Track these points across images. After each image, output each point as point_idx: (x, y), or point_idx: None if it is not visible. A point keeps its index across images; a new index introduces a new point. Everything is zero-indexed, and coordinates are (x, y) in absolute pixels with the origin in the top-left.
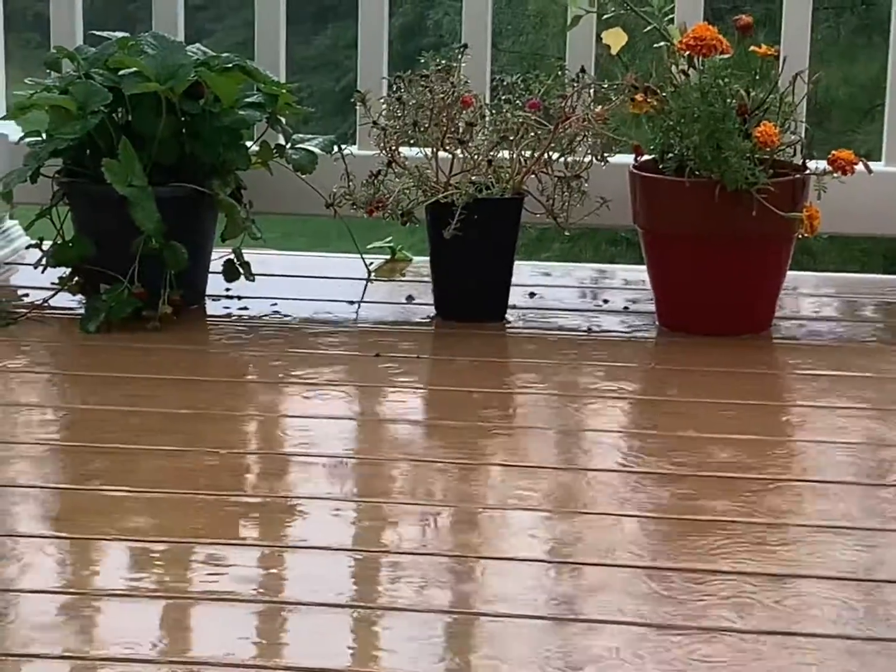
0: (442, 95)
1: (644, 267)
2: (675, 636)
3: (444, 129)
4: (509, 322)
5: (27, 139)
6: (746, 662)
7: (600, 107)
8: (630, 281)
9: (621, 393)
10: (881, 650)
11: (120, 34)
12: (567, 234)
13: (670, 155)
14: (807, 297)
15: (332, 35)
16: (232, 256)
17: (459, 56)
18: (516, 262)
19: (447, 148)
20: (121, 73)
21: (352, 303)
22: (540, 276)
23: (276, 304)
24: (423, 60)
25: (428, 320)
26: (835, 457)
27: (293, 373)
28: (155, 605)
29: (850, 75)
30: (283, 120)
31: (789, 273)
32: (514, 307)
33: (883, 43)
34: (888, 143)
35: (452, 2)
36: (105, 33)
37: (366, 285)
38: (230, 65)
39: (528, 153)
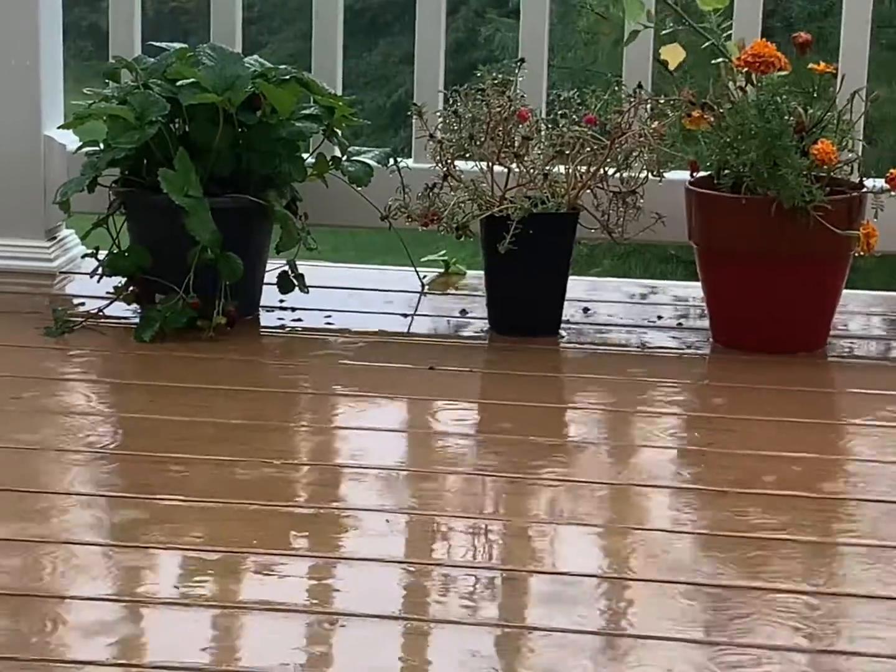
0: (498, 109)
1: (696, 283)
2: (729, 654)
3: (500, 142)
4: (563, 337)
5: (85, 149)
6: None
7: (657, 123)
8: (683, 297)
9: (675, 409)
10: None
11: (178, 45)
12: (620, 249)
13: (726, 171)
14: (859, 315)
15: (383, 51)
16: (286, 268)
17: (516, 70)
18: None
19: (503, 162)
20: (179, 83)
21: (405, 316)
22: (593, 290)
23: (329, 316)
24: (479, 74)
25: (482, 334)
26: (889, 476)
27: (347, 385)
28: (207, 614)
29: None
30: (340, 132)
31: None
32: (567, 322)
33: None
34: None
35: (504, 18)
36: (163, 44)
37: (419, 298)
38: (287, 77)
39: (583, 168)
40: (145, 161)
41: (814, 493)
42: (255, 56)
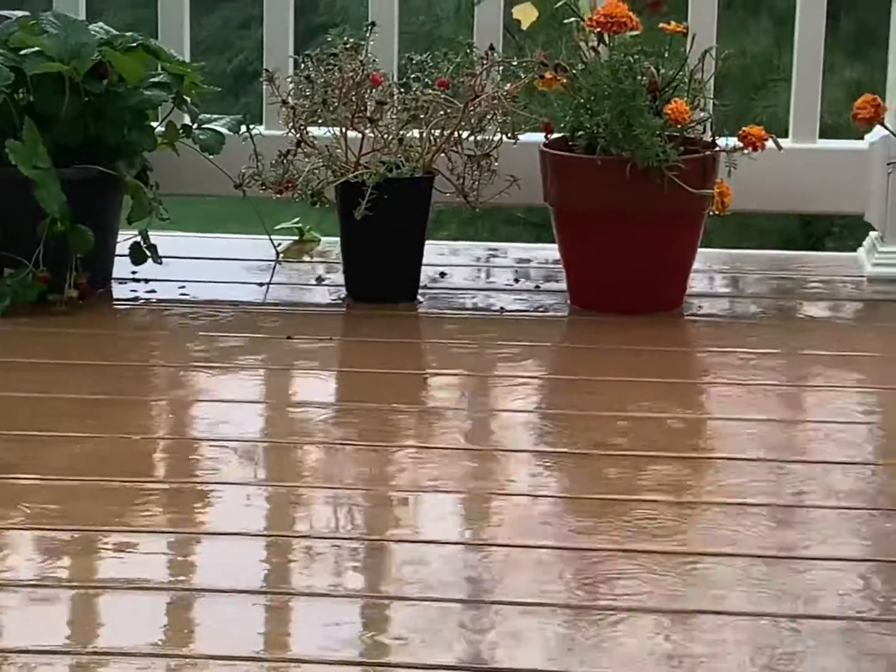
0: (351, 74)
1: (554, 245)
2: (590, 617)
3: (354, 108)
4: (421, 302)
5: None
6: (658, 642)
7: (510, 85)
8: (540, 259)
9: (535, 373)
10: (787, 625)
11: (19, 13)
12: (467, 213)
13: (580, 133)
14: (709, 273)
15: (223, 15)
16: (139, 239)
17: (367, 34)
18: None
19: (357, 127)
20: (22, 52)
21: (261, 284)
22: (446, 254)
23: (183, 287)
24: (330, 39)
25: (339, 301)
26: (747, 433)
27: (203, 356)
28: (64, 595)
29: (741, 50)
30: (189, 100)
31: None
32: (424, 287)
33: (769, 20)
34: (795, 119)
35: None
36: (4, 12)
37: (274, 267)
38: (134, 44)
39: (437, 132)
40: None
41: (676, 453)
42: (101, 23)
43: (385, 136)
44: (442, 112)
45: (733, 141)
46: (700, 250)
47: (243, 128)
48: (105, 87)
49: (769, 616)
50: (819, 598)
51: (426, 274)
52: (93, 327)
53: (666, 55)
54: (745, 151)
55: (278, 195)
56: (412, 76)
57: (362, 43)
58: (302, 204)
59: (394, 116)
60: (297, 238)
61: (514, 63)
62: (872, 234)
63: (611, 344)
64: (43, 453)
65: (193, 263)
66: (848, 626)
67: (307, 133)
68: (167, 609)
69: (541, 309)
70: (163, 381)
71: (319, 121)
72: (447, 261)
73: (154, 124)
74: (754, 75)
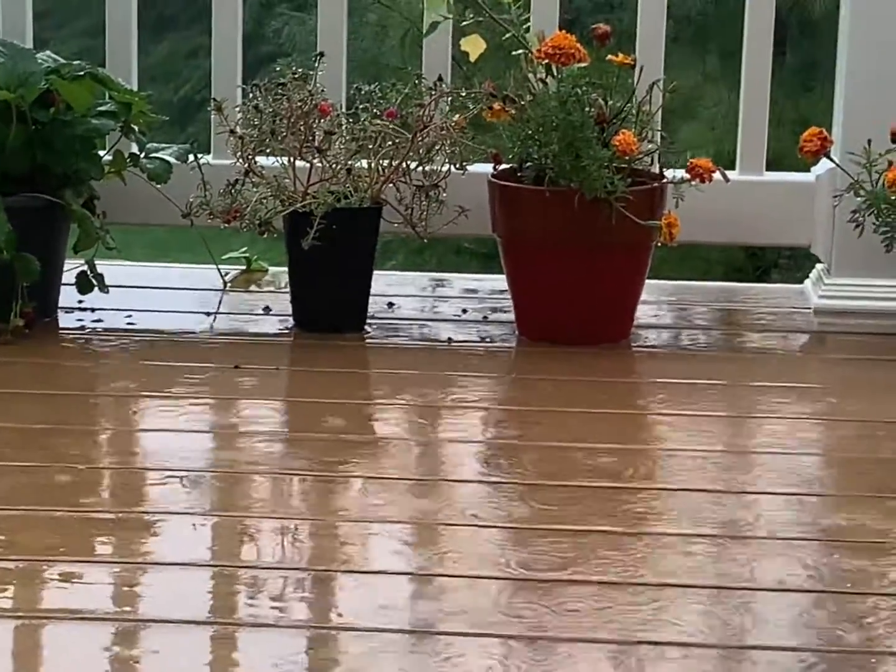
0: (299, 104)
1: (502, 276)
2: (543, 650)
3: (302, 137)
4: (368, 333)
5: None
6: None
7: (458, 115)
8: (488, 290)
9: (483, 403)
10: (733, 656)
11: None
12: (415, 243)
13: (529, 164)
14: (656, 304)
15: (170, 45)
16: (85, 268)
17: (316, 64)
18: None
19: (305, 157)
20: None
21: (208, 314)
22: (394, 285)
23: (130, 316)
24: (278, 69)
25: (286, 331)
26: (693, 465)
27: (150, 386)
28: (7, 625)
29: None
30: (137, 129)
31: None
32: (372, 317)
33: (706, 51)
34: (742, 152)
35: (293, 12)
36: None
37: (221, 296)
38: (82, 72)
39: (386, 162)
40: None
41: (623, 483)
42: (48, 52)
43: (333, 165)
44: (390, 142)
45: (681, 172)
46: (647, 281)
47: (191, 157)
48: (52, 115)
49: (719, 647)
50: (759, 626)
51: (374, 304)
52: (39, 356)
53: (614, 87)
54: (693, 183)
55: (226, 224)
56: (361, 106)
57: (311, 73)
58: (249, 233)
59: (342, 146)
60: (244, 267)
61: (463, 94)
62: (819, 266)
63: (558, 375)
64: None
65: (140, 292)
66: (794, 657)
67: (255, 162)
68: (112, 639)
69: (488, 339)
70: (109, 410)
71: (267, 150)
72: (395, 291)
73: (101, 153)
74: (691, 108)
